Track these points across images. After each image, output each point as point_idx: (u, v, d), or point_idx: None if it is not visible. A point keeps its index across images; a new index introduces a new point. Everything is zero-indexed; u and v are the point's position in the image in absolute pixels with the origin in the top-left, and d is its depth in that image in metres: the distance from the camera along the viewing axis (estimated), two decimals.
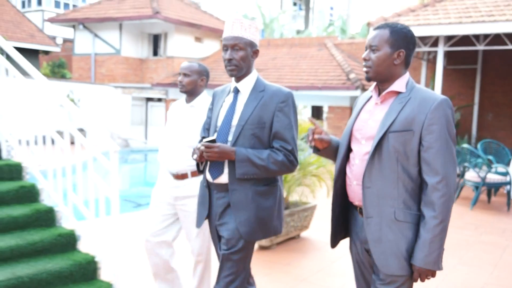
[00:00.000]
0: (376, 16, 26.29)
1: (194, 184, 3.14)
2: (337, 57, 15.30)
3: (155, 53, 18.15)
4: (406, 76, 2.09)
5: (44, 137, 4.28)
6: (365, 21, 24.28)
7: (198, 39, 18.25)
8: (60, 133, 4.11)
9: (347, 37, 21.75)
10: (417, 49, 11.13)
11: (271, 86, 2.48)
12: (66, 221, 4.11)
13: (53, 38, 22.75)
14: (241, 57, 2.41)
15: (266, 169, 2.34)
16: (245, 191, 2.37)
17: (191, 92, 3.22)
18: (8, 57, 4.68)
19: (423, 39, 10.60)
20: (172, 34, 17.36)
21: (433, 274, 2.01)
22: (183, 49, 17.76)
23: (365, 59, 2.10)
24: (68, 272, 3.58)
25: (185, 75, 3.19)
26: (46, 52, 20.89)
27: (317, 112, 19.53)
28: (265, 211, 2.41)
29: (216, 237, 2.57)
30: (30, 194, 4.14)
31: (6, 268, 3.40)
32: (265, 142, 2.40)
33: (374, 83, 2.16)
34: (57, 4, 26.81)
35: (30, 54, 19.23)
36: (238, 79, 2.49)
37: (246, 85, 2.49)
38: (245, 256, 2.45)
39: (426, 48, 10.65)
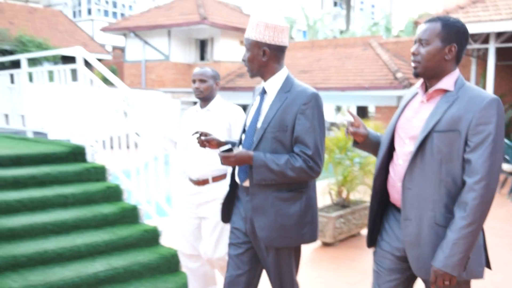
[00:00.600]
0: (419, 13, 25.81)
1: (216, 189, 3.22)
2: (383, 57, 15.31)
3: (202, 57, 18.68)
4: (456, 73, 1.97)
5: (126, 139, 4.70)
6: (409, 18, 24.03)
7: (243, 42, 18.64)
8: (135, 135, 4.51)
9: (391, 36, 21.61)
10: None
11: (297, 86, 2.35)
12: (148, 218, 4.50)
13: (103, 46, 23.70)
14: (248, 59, 2.36)
15: (283, 175, 2.26)
16: (265, 196, 2.32)
17: (208, 97, 3.24)
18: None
19: (473, 36, 10.53)
20: (218, 38, 17.83)
21: (451, 281, 1.86)
22: (229, 53, 18.19)
23: (413, 54, 1.98)
24: (155, 264, 3.94)
25: (201, 81, 3.20)
26: (98, 60, 21.81)
27: (362, 112, 19.55)
28: (288, 218, 2.32)
29: (237, 238, 2.52)
30: (116, 193, 4.55)
31: (103, 260, 3.79)
32: (287, 146, 2.30)
33: (421, 80, 2.06)
34: (106, 13, 27.89)
35: (86, 62, 20.15)
36: (265, 79, 2.42)
37: (272, 86, 2.40)
38: (284, 264, 2.42)
39: (477, 45, 10.57)
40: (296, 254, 2.48)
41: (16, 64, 5.69)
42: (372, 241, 2.22)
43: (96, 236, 3.95)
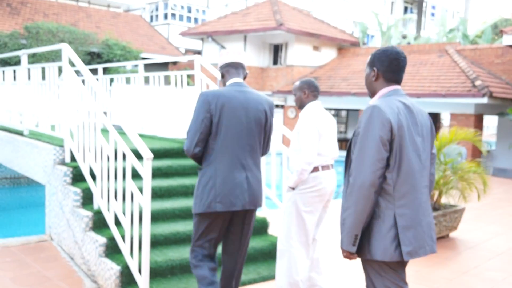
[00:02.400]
0: (494, 18, 24.81)
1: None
2: (460, 64, 15.12)
3: (275, 62, 19.20)
4: (384, 90, 2.36)
5: None
6: (484, 23, 23.35)
7: (316, 48, 18.97)
8: None
9: (468, 43, 21.14)
10: None
11: None
12: (258, 210, 4.97)
13: (177, 49, 24.84)
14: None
15: None
16: None
17: (300, 106, 3.66)
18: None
19: None
20: (292, 44, 18.28)
21: (346, 254, 2.28)
22: (302, 58, 18.58)
23: None
24: (267, 250, 4.40)
25: (294, 94, 3.72)
26: (174, 63, 22.91)
27: (433, 119, 19.29)
28: (196, 188, 2.94)
29: None
30: None
31: None
32: None
33: None
34: (181, 18, 29.12)
35: (161, 64, 21.27)
36: None
37: None
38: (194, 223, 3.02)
39: None
40: (199, 222, 2.95)
41: (105, 68, 6.19)
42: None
43: None
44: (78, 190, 4.23)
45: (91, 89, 4.27)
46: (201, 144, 2.83)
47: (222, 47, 18.98)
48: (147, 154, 3.35)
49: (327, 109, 19.73)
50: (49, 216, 4.83)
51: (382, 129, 2.17)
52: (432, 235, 2.33)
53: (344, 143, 20.03)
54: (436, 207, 5.61)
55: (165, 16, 29.15)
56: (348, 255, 2.27)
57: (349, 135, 20.89)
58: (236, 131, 2.85)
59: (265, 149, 3.11)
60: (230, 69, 2.99)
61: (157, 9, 29.69)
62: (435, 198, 5.63)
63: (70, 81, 4.49)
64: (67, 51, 4.54)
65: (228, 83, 2.99)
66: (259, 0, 22.46)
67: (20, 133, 5.69)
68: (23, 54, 5.57)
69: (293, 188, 3.42)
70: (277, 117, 18.48)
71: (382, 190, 2.21)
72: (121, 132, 6.72)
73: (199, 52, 23.09)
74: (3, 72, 6.34)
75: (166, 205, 4.48)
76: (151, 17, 29.94)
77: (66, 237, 4.41)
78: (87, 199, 4.23)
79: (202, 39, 19.78)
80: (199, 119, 2.82)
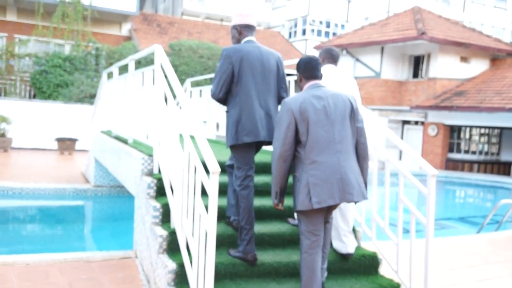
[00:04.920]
0: None
1: None
2: None
3: (415, 75, 17.60)
4: (304, 87, 3.09)
5: None
6: None
7: (464, 59, 16.96)
8: None
9: None
10: None
11: None
12: (366, 240, 4.09)
13: None
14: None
15: None
16: None
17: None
18: None
19: None
20: (435, 54, 16.57)
21: (274, 205, 3.10)
22: (447, 70, 16.75)
23: None
24: None
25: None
26: None
27: None
28: (227, 125, 3.49)
29: None
30: None
31: None
32: None
33: None
34: (318, 33, 28.72)
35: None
36: None
37: None
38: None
39: None
40: (235, 153, 3.51)
41: None
42: None
43: None
44: (158, 205, 3.81)
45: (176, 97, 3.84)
46: (224, 90, 3.43)
47: (357, 60, 18.02)
48: (213, 167, 2.74)
49: (473, 127, 17.40)
50: (136, 231, 4.51)
51: (287, 115, 2.94)
52: (346, 187, 2.89)
53: (496, 166, 17.51)
54: None
55: (303, 32, 29.02)
56: (275, 205, 3.08)
57: (503, 157, 18.19)
58: (254, 78, 3.42)
59: (285, 92, 3.61)
60: (247, 29, 3.54)
61: (295, 25, 29.71)
62: None
63: (160, 86, 4.13)
64: (159, 54, 4.21)
65: (243, 40, 3.53)
66: (400, 10, 21.03)
67: (125, 141, 5.58)
68: (130, 61, 5.46)
69: None
70: (416, 135, 16.86)
71: (298, 160, 2.96)
72: (214, 141, 6.33)
73: None
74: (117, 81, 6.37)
75: (255, 228, 3.82)
76: (290, 33, 30.06)
77: (146, 256, 4.01)
78: (166, 216, 3.78)
79: None
80: (222, 69, 3.41)
